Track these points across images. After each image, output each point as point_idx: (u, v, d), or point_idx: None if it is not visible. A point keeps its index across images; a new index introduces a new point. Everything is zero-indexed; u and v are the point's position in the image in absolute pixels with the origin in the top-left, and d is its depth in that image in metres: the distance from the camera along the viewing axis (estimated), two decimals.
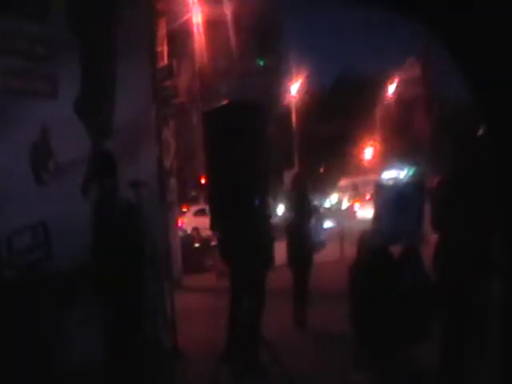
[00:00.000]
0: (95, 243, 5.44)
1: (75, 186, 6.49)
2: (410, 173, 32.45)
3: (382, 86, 41.48)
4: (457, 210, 5.32)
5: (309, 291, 8.89)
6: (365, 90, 40.28)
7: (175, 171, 14.76)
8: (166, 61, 13.80)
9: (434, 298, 5.90)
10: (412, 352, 6.39)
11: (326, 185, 37.15)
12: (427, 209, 6.12)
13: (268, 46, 36.34)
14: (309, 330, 8.49)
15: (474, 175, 5.33)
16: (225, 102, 7.44)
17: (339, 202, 35.21)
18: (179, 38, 19.17)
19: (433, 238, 5.86)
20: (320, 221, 10.12)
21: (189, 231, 21.33)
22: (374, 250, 6.60)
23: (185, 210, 26.88)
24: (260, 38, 32.10)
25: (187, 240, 17.26)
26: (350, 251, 8.01)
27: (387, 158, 39.42)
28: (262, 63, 35.03)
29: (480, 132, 5.56)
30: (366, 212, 22.66)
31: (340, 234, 17.37)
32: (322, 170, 43.18)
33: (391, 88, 41.71)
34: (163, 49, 13.81)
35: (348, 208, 32.57)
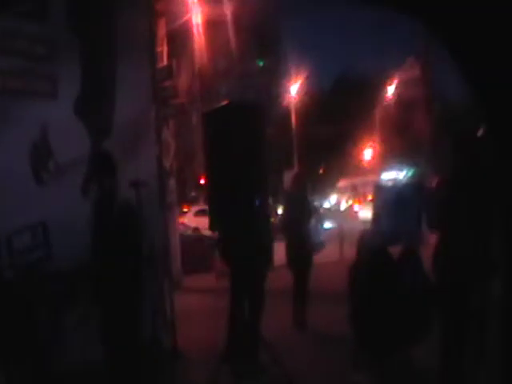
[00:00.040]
0: (95, 243, 5.44)
1: (75, 186, 6.48)
2: (410, 173, 32.44)
3: (381, 87, 41.49)
4: (456, 210, 5.32)
5: (308, 292, 8.89)
6: (364, 90, 40.29)
7: (175, 172, 14.75)
8: (165, 61, 13.79)
9: (434, 299, 5.90)
10: (412, 352, 6.39)
11: (325, 185, 37.19)
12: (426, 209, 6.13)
13: (267, 47, 36.35)
14: (308, 331, 8.49)
15: (474, 175, 5.33)
16: (224, 102, 7.44)
17: (338, 203, 35.26)
18: (179, 38, 19.17)
19: (432, 238, 5.86)
20: (320, 221, 10.13)
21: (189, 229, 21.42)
22: (374, 251, 6.60)
23: (186, 210, 26.96)
24: (260, 39, 32.12)
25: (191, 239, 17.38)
26: (350, 252, 8.01)
27: (387, 158, 39.41)
28: (261, 64, 35.04)
29: (480, 132, 5.56)
30: (367, 212, 22.67)
31: (340, 235, 17.39)
32: (321, 171, 43.19)
33: (391, 88, 41.71)
34: (163, 49, 13.81)
35: (347, 208, 32.61)
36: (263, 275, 6.88)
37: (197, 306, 10.62)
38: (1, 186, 5.87)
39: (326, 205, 35.22)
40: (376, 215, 7.52)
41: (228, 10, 22.90)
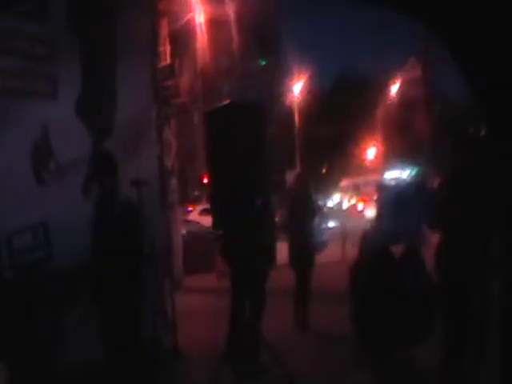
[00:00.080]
0: (95, 243, 5.43)
1: (76, 186, 6.47)
2: (412, 173, 32.41)
3: (383, 86, 41.43)
4: (457, 210, 5.31)
5: (310, 291, 8.88)
6: (366, 90, 40.23)
7: (176, 171, 14.75)
8: (168, 60, 13.78)
9: (436, 299, 5.89)
10: (413, 352, 6.38)
11: (328, 185, 37.15)
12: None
13: (269, 46, 36.34)
14: (310, 330, 8.48)
15: (474, 175, 5.32)
16: (226, 101, 7.44)
17: (340, 203, 35.21)
18: (181, 37, 19.15)
19: (434, 238, 5.84)
20: (322, 221, 10.11)
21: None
22: (376, 250, 6.59)
23: (191, 208, 27.03)
24: (261, 38, 32.11)
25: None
26: (352, 251, 7.99)
27: (389, 158, 39.37)
28: (263, 63, 35.04)
29: (481, 132, 5.55)
30: (373, 212, 22.64)
31: (342, 234, 17.37)
32: (324, 170, 43.17)
33: (393, 88, 41.67)
34: (165, 48, 13.81)
35: (349, 208, 32.57)
36: (265, 275, 6.87)
37: (198, 305, 10.61)
38: (2, 186, 5.87)
39: (330, 204, 35.17)
40: (378, 215, 7.52)
41: (230, 10, 22.90)
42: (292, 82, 37.19)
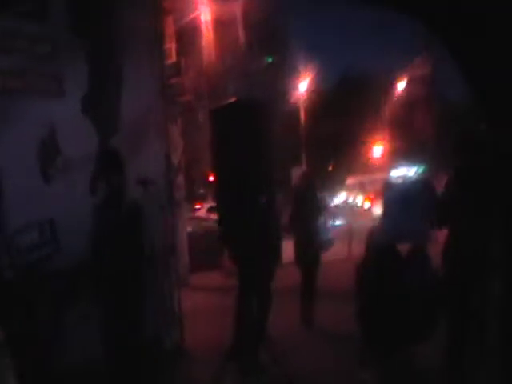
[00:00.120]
0: (101, 240, 5.44)
1: (83, 184, 6.48)
2: (419, 171, 32.33)
3: (389, 85, 41.35)
4: (465, 209, 5.30)
5: (316, 289, 8.87)
6: (372, 88, 40.16)
7: (183, 169, 14.75)
8: (173, 58, 13.78)
9: (442, 297, 5.88)
10: (419, 350, 6.36)
11: (333, 183, 37.09)
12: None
13: (275, 44, 36.29)
14: (316, 328, 8.48)
15: (478, 174, 5.30)
16: (231, 99, 7.43)
17: (345, 201, 35.17)
18: (187, 35, 19.15)
19: (441, 235, 5.83)
20: (328, 219, 10.09)
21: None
22: (382, 248, 6.58)
23: (198, 206, 27.09)
24: (267, 36, 32.07)
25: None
26: (359, 249, 7.98)
27: (395, 156, 39.30)
28: (270, 60, 34.99)
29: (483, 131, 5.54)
30: (380, 210, 22.53)
31: (348, 232, 17.34)
32: (330, 168, 43.11)
33: (399, 86, 41.58)
34: (171, 46, 13.80)
35: (354, 205, 32.56)
36: (270, 273, 6.87)
37: (203, 303, 10.62)
38: (9, 183, 5.88)
39: (337, 201, 35.14)
40: (384, 212, 7.49)
41: (236, 8, 22.88)
42: (297, 80, 37.13)
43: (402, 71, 39.95)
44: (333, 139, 40.36)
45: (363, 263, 6.73)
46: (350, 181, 39.13)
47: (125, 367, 5.34)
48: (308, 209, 8.79)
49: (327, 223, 9.95)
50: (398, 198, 7.07)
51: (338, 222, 21.30)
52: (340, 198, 37.46)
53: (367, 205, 32.09)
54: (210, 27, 21.79)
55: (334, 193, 36.53)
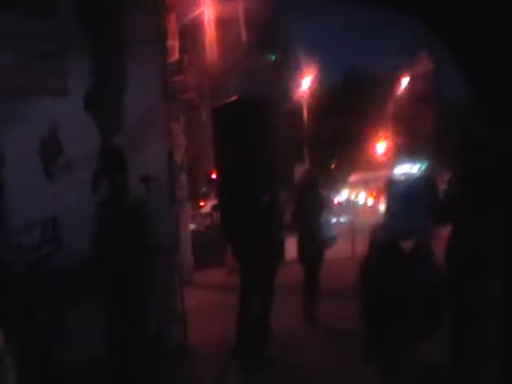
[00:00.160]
0: (103, 238, 5.44)
1: (85, 181, 6.48)
2: (422, 168, 32.31)
3: (392, 82, 41.32)
4: (468, 206, 5.29)
5: (319, 287, 8.87)
6: (375, 85, 40.12)
7: (186, 167, 14.75)
8: (176, 56, 13.77)
9: (445, 294, 5.87)
10: (422, 347, 6.36)
11: (337, 180, 37.07)
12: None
13: (278, 42, 36.25)
14: (319, 326, 8.47)
15: (481, 173, 5.30)
16: (234, 97, 7.43)
17: (348, 198, 35.19)
18: (189, 33, 19.14)
19: (445, 233, 5.83)
20: (332, 216, 10.08)
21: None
22: (385, 246, 6.57)
23: (202, 204, 27.15)
24: (270, 34, 32.03)
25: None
26: (363, 247, 7.98)
27: (398, 153, 39.28)
28: (273, 58, 34.96)
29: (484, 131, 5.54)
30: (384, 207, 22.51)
31: (351, 230, 17.33)
32: (333, 166, 43.08)
33: (402, 83, 41.55)
34: (174, 44, 13.79)
35: (356, 202, 32.58)
36: (273, 271, 6.87)
37: (207, 301, 10.63)
38: (11, 181, 5.88)
39: (339, 199, 35.14)
40: (388, 210, 7.48)
41: (239, 6, 22.86)
42: (300, 77, 37.11)
43: (404, 69, 39.91)
44: (336, 137, 40.33)
45: (366, 260, 6.72)
46: (353, 178, 39.12)
47: (128, 365, 5.34)
48: (311, 206, 8.79)
49: (331, 220, 9.93)
50: (401, 195, 7.06)
51: (342, 220, 21.31)
52: (342, 196, 37.46)
53: (370, 202, 32.12)
54: (213, 25, 21.76)
55: (337, 190, 36.53)
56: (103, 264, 5.41)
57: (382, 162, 41.62)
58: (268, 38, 30.99)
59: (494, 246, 5.07)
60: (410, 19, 4.34)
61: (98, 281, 5.53)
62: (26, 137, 6.08)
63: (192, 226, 18.77)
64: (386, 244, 6.57)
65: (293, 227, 9.02)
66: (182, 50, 14.84)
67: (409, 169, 33.58)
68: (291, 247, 8.96)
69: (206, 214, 21.18)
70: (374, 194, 31.75)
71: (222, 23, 22.15)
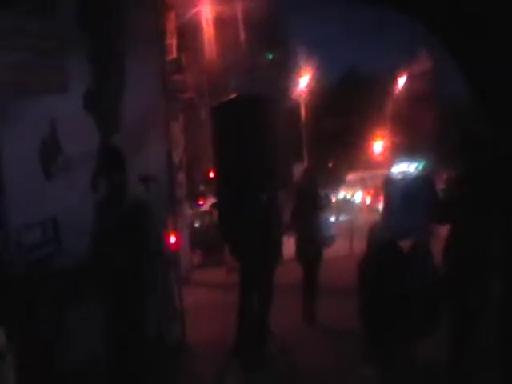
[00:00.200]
0: (102, 238, 5.44)
1: (85, 181, 6.47)
2: (420, 167, 32.34)
3: (391, 81, 41.36)
4: (466, 205, 5.30)
5: (318, 286, 8.87)
6: (374, 84, 40.17)
7: (184, 166, 14.76)
8: (174, 54, 13.77)
9: (444, 293, 5.88)
10: (421, 346, 6.37)
11: (334, 179, 37.10)
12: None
13: (277, 40, 36.24)
14: (318, 325, 8.48)
15: (482, 173, 5.30)
16: (233, 95, 7.43)
17: (351, 196, 35.22)
18: (188, 31, 19.12)
19: (443, 231, 5.83)
20: (330, 215, 10.08)
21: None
22: (383, 245, 6.58)
23: (201, 202, 27.18)
24: (269, 32, 32.03)
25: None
26: (361, 246, 7.98)
27: (396, 152, 39.32)
28: (271, 57, 34.95)
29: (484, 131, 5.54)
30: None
31: (349, 229, 17.33)
32: (330, 165, 43.10)
33: (400, 82, 41.60)
34: (172, 42, 13.79)
35: (353, 201, 32.59)
36: (272, 269, 6.87)
37: (206, 300, 10.64)
38: (10, 181, 5.87)
39: (336, 198, 35.17)
40: (385, 208, 7.49)
41: (237, 4, 22.86)
42: (299, 76, 37.12)
43: (403, 68, 39.96)
44: (334, 136, 40.36)
45: (365, 259, 6.73)
46: (350, 177, 39.14)
47: (127, 364, 5.34)
48: (310, 205, 8.79)
49: (329, 219, 9.93)
50: (399, 194, 7.07)
51: (342, 218, 21.35)
52: (339, 195, 37.49)
53: (368, 201, 32.14)
54: (211, 23, 21.76)
55: (334, 189, 36.55)
56: (102, 263, 5.40)
57: (380, 160, 41.67)
58: (267, 36, 31.00)
59: (494, 245, 5.08)
60: (410, 19, 4.34)
61: (98, 280, 5.52)
62: (26, 136, 6.05)
63: (196, 224, 18.91)
64: (384, 243, 6.58)
65: (292, 226, 9.02)
66: (181, 49, 14.84)
67: (406, 168, 33.59)
68: (289, 246, 8.96)
69: (205, 213, 21.19)
70: (372, 193, 31.77)
71: (221, 22, 22.15)
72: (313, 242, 8.78)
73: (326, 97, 39.90)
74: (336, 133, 40.47)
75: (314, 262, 8.88)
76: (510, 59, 3.29)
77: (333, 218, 18.90)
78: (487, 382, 5.20)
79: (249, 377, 6.40)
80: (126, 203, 5.51)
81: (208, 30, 21.56)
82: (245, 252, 6.67)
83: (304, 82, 37.46)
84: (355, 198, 34.47)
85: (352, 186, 37.34)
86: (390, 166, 36.03)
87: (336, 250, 11.33)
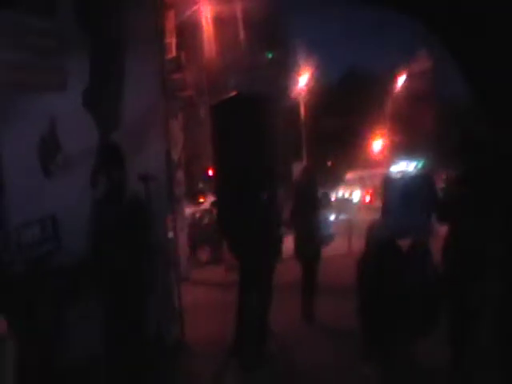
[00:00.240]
0: (101, 236, 5.44)
1: (84, 179, 6.46)
2: (419, 165, 32.37)
3: (390, 80, 41.38)
4: (467, 204, 5.31)
5: (317, 284, 8.87)
6: (374, 83, 40.18)
7: (183, 164, 14.76)
8: (173, 53, 13.77)
9: (443, 292, 5.89)
10: (421, 347, 6.37)
11: (333, 178, 37.11)
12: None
13: (276, 39, 36.23)
14: (316, 324, 8.48)
15: (482, 173, 5.31)
16: (232, 94, 7.42)
17: (349, 195, 35.23)
18: (187, 30, 19.11)
19: (442, 231, 5.84)
20: (329, 213, 10.09)
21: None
22: (382, 244, 6.58)
23: (202, 200, 27.18)
24: (268, 31, 32.03)
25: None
26: (360, 244, 7.98)
27: (395, 151, 39.34)
28: (270, 56, 34.95)
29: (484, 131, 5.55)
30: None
31: (348, 227, 17.33)
32: (329, 164, 43.11)
33: (400, 81, 41.61)
34: (172, 41, 13.79)
35: (350, 200, 32.61)
36: (272, 268, 6.87)
37: (205, 298, 10.63)
38: (10, 179, 5.86)
39: (339, 196, 35.20)
40: (384, 207, 7.49)
41: (237, 3, 22.84)
42: (298, 75, 37.10)
43: (403, 68, 39.98)
44: (333, 135, 40.37)
45: (363, 258, 6.73)
46: (349, 176, 39.16)
47: (126, 363, 5.34)
48: (309, 204, 8.79)
49: (328, 218, 9.94)
50: (398, 193, 7.07)
51: (342, 216, 21.35)
52: (337, 193, 37.52)
53: (367, 199, 32.18)
54: (211, 22, 21.74)
55: (333, 188, 36.57)
56: (101, 261, 5.40)
57: (379, 159, 41.69)
58: (267, 35, 30.98)
59: (494, 245, 5.09)
60: (410, 19, 4.35)
61: (97, 278, 5.52)
62: (25, 134, 6.05)
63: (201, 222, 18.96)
64: (383, 242, 6.58)
65: (291, 225, 9.01)
66: (180, 47, 14.83)
67: (406, 167, 33.62)
68: (288, 244, 8.96)
69: (206, 211, 21.22)
70: (370, 191, 31.81)
71: (220, 20, 22.13)
72: (312, 241, 8.79)
73: (326, 96, 39.91)
74: (335, 132, 40.48)
75: (312, 261, 8.89)
76: (510, 59, 3.29)
77: (333, 217, 18.95)
78: (487, 382, 5.20)
79: (248, 375, 6.40)
80: (125, 201, 5.51)
81: (208, 28, 21.53)
82: (244, 250, 6.67)
83: (304, 80, 37.45)
84: (353, 196, 34.48)
85: (351, 184, 37.37)
86: (389, 164, 36.06)
87: (335, 248, 11.38)
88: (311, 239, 8.78)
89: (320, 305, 8.69)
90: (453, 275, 5.54)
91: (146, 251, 5.45)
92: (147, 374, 5.57)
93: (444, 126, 28.14)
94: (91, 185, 6.39)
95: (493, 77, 3.41)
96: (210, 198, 27.23)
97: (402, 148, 37.94)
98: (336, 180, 37.47)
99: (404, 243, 6.63)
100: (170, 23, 13.49)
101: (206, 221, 19.81)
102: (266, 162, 6.61)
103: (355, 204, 31.56)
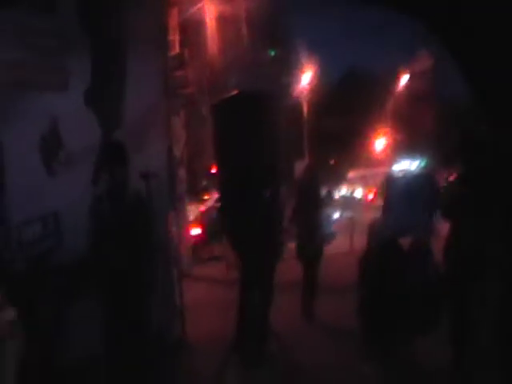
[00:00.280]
0: (104, 233, 5.44)
1: (86, 176, 6.47)
2: (421, 165, 32.33)
3: (392, 79, 41.31)
4: (466, 207, 5.31)
5: (318, 283, 8.87)
6: (374, 83, 40.12)
7: (185, 162, 14.76)
8: (176, 50, 13.76)
9: (444, 291, 5.89)
10: (422, 347, 6.38)
11: (336, 176, 37.10)
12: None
13: (278, 37, 36.20)
14: (317, 322, 8.48)
15: (482, 173, 5.31)
16: (234, 92, 7.42)
17: (351, 193, 35.26)
18: (190, 27, 19.09)
19: (444, 230, 5.84)
20: (333, 211, 10.09)
21: None
22: (384, 242, 6.59)
23: (207, 197, 27.21)
24: (271, 29, 32.01)
25: None
26: (361, 242, 7.98)
27: (398, 150, 39.29)
28: (273, 53, 34.91)
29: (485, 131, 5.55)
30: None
31: (350, 225, 17.34)
32: (332, 162, 43.07)
33: (401, 81, 41.56)
34: (175, 38, 13.78)
35: (352, 198, 32.65)
36: (274, 266, 6.88)
37: (206, 295, 10.64)
38: (12, 178, 5.87)
39: (342, 194, 35.22)
40: (386, 206, 7.51)
41: (240, 1, 22.82)
42: (301, 73, 37.05)
43: (404, 66, 39.91)
44: (335, 133, 40.32)
45: (365, 257, 6.75)
46: (352, 174, 39.17)
47: (126, 361, 5.35)
48: (311, 202, 8.78)
49: (331, 216, 9.94)
50: (399, 192, 7.09)
51: (344, 215, 21.37)
52: (339, 192, 37.51)
53: (369, 198, 32.20)
54: (214, 19, 21.73)
55: (336, 187, 36.55)
56: (102, 258, 5.41)
57: (381, 158, 41.65)
58: (269, 33, 30.95)
59: (494, 245, 5.09)
60: (410, 19, 4.35)
61: (97, 276, 5.53)
62: (27, 133, 6.05)
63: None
64: (385, 241, 6.59)
65: (293, 223, 8.99)
66: (183, 45, 14.82)
67: (408, 166, 33.60)
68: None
69: (211, 208, 21.25)
70: (374, 190, 31.81)
71: (223, 18, 22.11)
72: (313, 240, 8.78)
73: (327, 95, 39.85)
74: (337, 131, 40.40)
75: (314, 260, 8.88)
76: (510, 59, 3.29)
77: (337, 215, 18.95)
78: (487, 381, 5.21)
79: (249, 373, 6.41)
80: (127, 198, 5.52)
81: (210, 26, 21.52)
82: (247, 248, 6.67)
83: (306, 79, 37.41)
84: (355, 194, 34.49)
85: (353, 183, 37.38)
86: (391, 163, 36.03)
87: (337, 246, 11.36)
88: (313, 239, 8.77)
89: (321, 304, 8.69)
90: (454, 275, 5.54)
91: (147, 249, 5.46)
92: (148, 372, 5.58)
93: (444, 126, 28.10)
94: (92, 182, 6.40)
95: (493, 77, 3.42)
96: (215, 195, 27.27)
97: (404, 147, 37.90)
98: (338, 178, 37.46)
99: (405, 242, 6.65)
100: (174, 20, 13.47)
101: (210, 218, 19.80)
102: (268, 159, 6.61)
103: (360, 201, 31.61)
